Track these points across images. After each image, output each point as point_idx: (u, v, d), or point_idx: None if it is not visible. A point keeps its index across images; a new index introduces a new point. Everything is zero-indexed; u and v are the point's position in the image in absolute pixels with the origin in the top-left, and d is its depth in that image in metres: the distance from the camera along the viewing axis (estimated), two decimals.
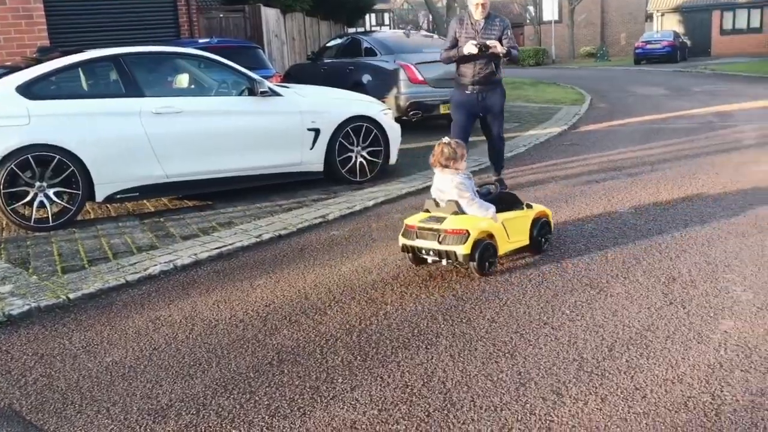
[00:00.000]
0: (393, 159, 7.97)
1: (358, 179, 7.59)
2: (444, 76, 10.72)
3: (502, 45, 6.27)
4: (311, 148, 7.23)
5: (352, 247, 5.36)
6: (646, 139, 10.01)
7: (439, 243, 4.41)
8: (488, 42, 6.21)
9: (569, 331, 3.56)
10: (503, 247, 4.61)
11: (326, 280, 4.58)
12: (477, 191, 4.71)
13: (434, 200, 4.72)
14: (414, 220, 4.67)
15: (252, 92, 6.90)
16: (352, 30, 26.67)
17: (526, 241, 4.78)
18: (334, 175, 7.50)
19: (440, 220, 4.52)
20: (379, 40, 11.90)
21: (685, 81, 20.99)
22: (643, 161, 8.26)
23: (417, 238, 4.55)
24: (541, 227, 4.86)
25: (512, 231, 4.66)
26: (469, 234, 4.32)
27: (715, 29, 36.50)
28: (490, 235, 4.49)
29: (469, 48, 6.23)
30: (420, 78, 10.57)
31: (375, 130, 7.66)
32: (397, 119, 8.89)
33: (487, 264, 4.46)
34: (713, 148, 8.95)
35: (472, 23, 6.42)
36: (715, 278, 4.22)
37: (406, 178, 7.84)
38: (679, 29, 35.77)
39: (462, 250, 4.30)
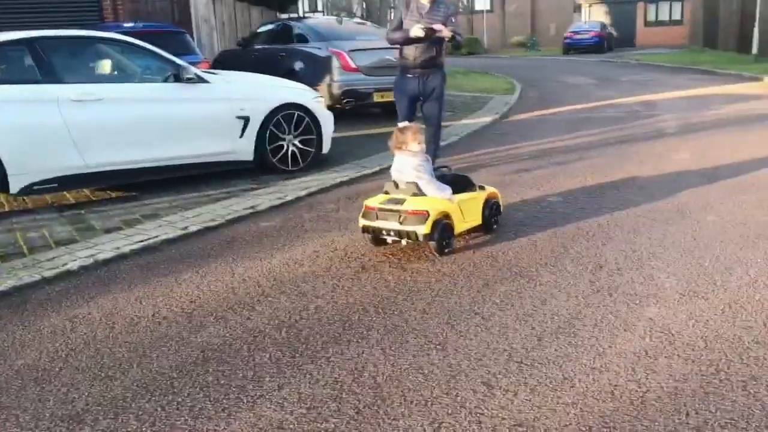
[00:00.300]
0: (326, 148, 7.86)
1: (290, 168, 7.46)
2: (378, 63, 10.68)
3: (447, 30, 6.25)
4: (241, 137, 7.06)
5: (283, 238, 5.25)
6: (574, 127, 10.19)
7: (400, 223, 4.54)
8: (434, 26, 6.19)
9: (499, 321, 3.56)
10: (459, 227, 4.76)
11: (255, 274, 4.46)
12: (433, 173, 4.89)
13: (394, 182, 4.84)
14: (374, 201, 4.77)
15: (178, 78, 6.67)
16: (284, 16, 26.28)
17: (479, 221, 4.96)
18: (265, 164, 7.35)
19: (400, 201, 4.64)
20: (311, 27, 11.73)
21: (612, 71, 21.55)
22: (571, 149, 8.41)
23: (378, 219, 4.66)
24: (491, 208, 5.07)
25: (467, 212, 4.82)
26: (428, 215, 4.46)
27: (640, 21, 37.62)
28: (447, 216, 4.63)
29: (416, 31, 6.16)
30: (353, 66, 10.47)
31: (307, 118, 7.53)
32: (330, 107, 8.78)
33: (444, 243, 4.61)
34: (638, 136, 9.18)
35: (418, 7, 6.37)
36: (641, 265, 4.30)
37: (339, 168, 7.75)
38: (606, 20, 36.69)
39: (422, 230, 4.45)
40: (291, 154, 7.48)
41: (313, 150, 7.65)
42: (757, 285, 3.91)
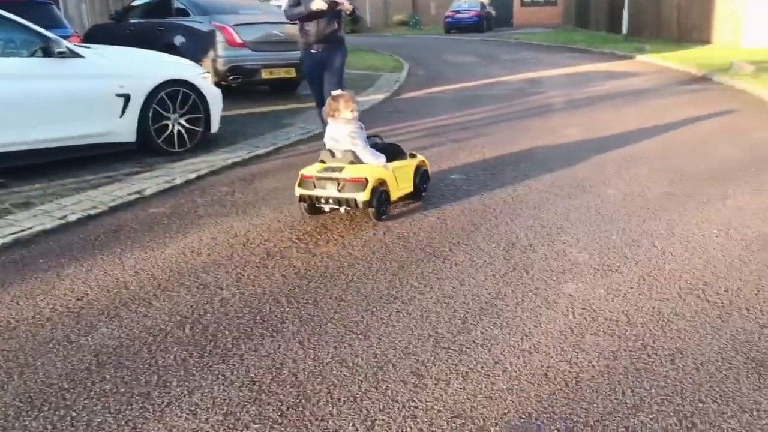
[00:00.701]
0: (214, 127, 7.42)
1: (176, 150, 6.98)
2: (265, 38, 10.24)
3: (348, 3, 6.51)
4: (121, 116, 6.51)
5: (176, 226, 4.85)
6: (466, 105, 10.22)
7: (339, 191, 4.62)
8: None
9: (420, 305, 3.40)
10: (394, 195, 4.88)
11: (149, 266, 4.07)
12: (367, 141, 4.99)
13: (329, 150, 4.92)
14: (311, 170, 4.81)
15: (47, 53, 6.02)
16: None
17: (410, 189, 5.09)
18: (150, 145, 6.84)
19: (338, 169, 4.71)
20: (190, 0, 11.06)
21: (494, 49, 21.96)
22: (466, 126, 8.39)
23: (316, 187, 4.72)
24: (422, 176, 5.25)
25: (400, 179, 4.95)
26: (367, 182, 4.56)
27: (517, 1, 38.63)
28: (384, 183, 4.75)
29: (319, 4, 6.32)
30: (239, 41, 9.95)
31: (193, 96, 7.06)
32: (216, 84, 8.30)
33: (381, 210, 4.74)
34: (529, 113, 9.31)
35: None
36: (552, 241, 4.28)
37: (230, 148, 7.34)
38: (485, 0, 37.41)
39: (362, 197, 4.55)
40: (177, 134, 6.99)
41: (200, 130, 7.20)
42: (665, 256, 3.97)
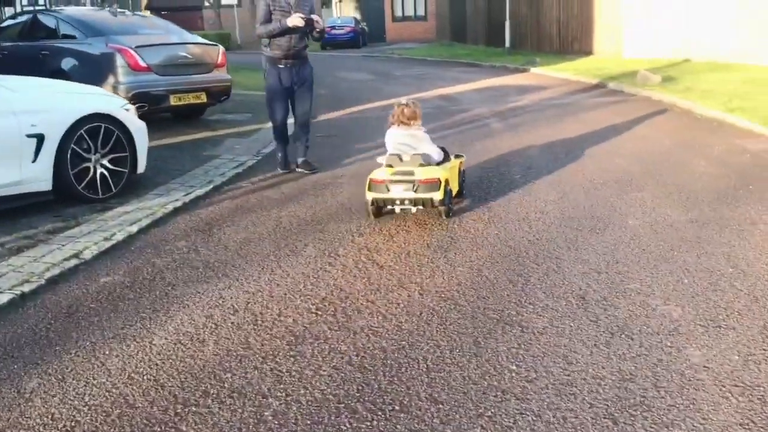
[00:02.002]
0: (141, 167, 6.34)
1: (100, 196, 5.88)
2: (171, 61, 9.13)
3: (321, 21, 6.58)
4: (34, 161, 5.34)
5: (146, 301, 3.84)
6: None
7: (415, 192, 4.87)
8: (312, 17, 6.39)
9: (543, 402, 2.67)
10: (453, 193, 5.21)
11: (144, 366, 3.06)
12: None
13: (397, 155, 5.12)
14: (381, 174, 5.03)
15: None
16: (9, 9, 22.62)
17: (457, 187, 5.43)
18: (68, 193, 5.70)
19: (408, 172, 4.94)
20: (78, 19, 9.69)
21: (383, 66, 21.58)
22: None
23: (389, 191, 4.94)
24: (462, 174, 5.64)
25: (452, 179, 5.25)
26: (440, 182, 4.87)
27: (388, 16, 38.75)
28: (448, 182, 5.04)
29: (296, 21, 6.25)
30: (143, 64, 8.77)
31: (117, 132, 5.96)
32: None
33: (450, 207, 5.10)
34: (470, 133, 8.84)
35: (287, 0, 6.43)
36: (623, 290, 3.70)
37: (161, 190, 6.30)
38: (357, 15, 37.25)
39: (438, 196, 4.86)
40: (100, 177, 5.87)
41: (126, 171, 6.10)
42: (760, 300, 3.48)
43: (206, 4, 42.22)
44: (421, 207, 4.99)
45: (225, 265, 4.38)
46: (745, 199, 5.30)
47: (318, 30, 6.62)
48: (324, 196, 6.05)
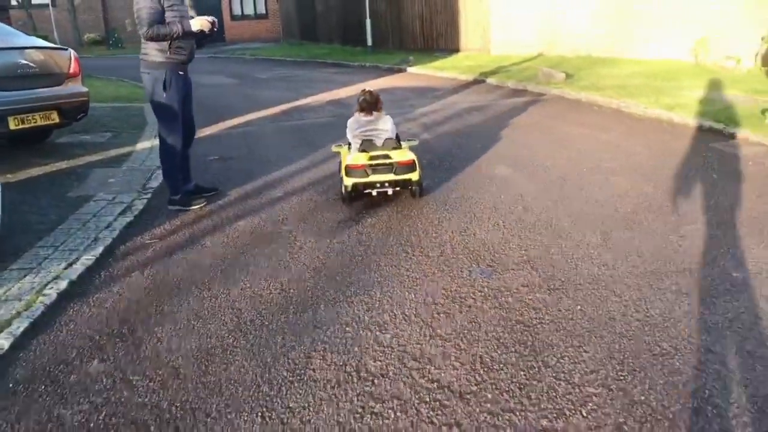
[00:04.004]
0: None
1: None
2: (7, 72, 6.87)
3: None
4: None
5: None
6: (302, 141, 7.96)
7: (395, 174, 5.08)
8: (210, 18, 5.49)
9: None
10: None
11: None
12: None
13: (368, 140, 5.29)
14: (358, 160, 5.10)
15: None
16: None
17: None
18: None
19: (386, 155, 5.11)
20: None
21: (239, 67, 19.57)
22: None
23: (372, 174, 5.08)
24: None
25: None
26: (415, 162, 5.14)
27: (226, 15, 36.20)
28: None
29: (203, 25, 5.33)
30: None
31: None
32: None
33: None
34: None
35: None
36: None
37: (27, 260, 4.44)
38: (192, 14, 34.43)
39: (415, 176, 5.17)
40: None
41: None
42: None
43: (13, 3, 37.33)
44: (397, 189, 5.22)
45: (185, 412, 2.64)
46: (757, 217, 4.32)
47: (209, 34, 5.54)
48: (276, 253, 4.38)
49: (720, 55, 12.15)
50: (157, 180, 6.41)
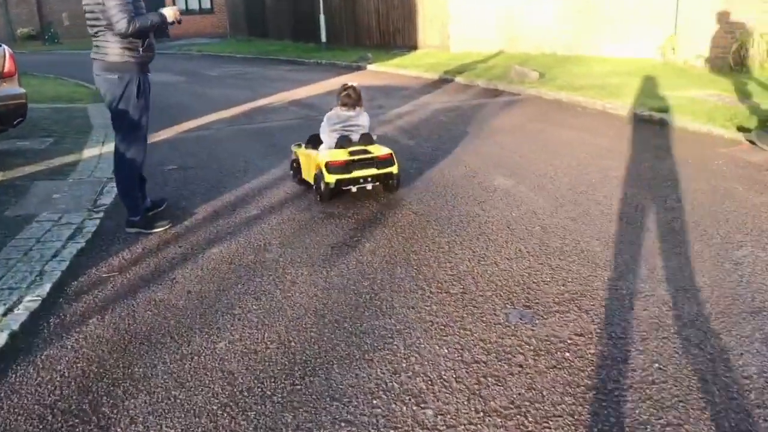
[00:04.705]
0: None
1: None
2: None
3: None
4: None
5: None
6: (269, 147, 7.19)
7: (377, 169, 5.03)
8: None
9: None
10: None
11: None
12: None
13: (346, 137, 5.22)
14: (339, 156, 5.02)
15: None
16: None
17: None
18: None
19: (366, 151, 5.09)
20: None
21: (186, 64, 18.54)
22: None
23: (355, 170, 4.98)
24: None
25: None
26: (393, 156, 5.12)
27: None
28: None
29: (175, 14, 4.68)
30: None
31: None
32: None
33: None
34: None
35: None
36: None
37: None
38: None
39: (395, 169, 5.12)
40: None
41: None
42: None
43: None
44: (377, 183, 5.12)
45: None
46: None
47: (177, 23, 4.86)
48: (264, 291, 3.65)
49: (690, 54, 11.86)
50: (110, 195, 5.60)
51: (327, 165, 4.97)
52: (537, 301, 3.38)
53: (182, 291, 3.74)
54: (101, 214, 5.16)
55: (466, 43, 16.90)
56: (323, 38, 20.44)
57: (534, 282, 3.60)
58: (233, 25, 30.79)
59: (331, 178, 4.96)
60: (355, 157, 5.00)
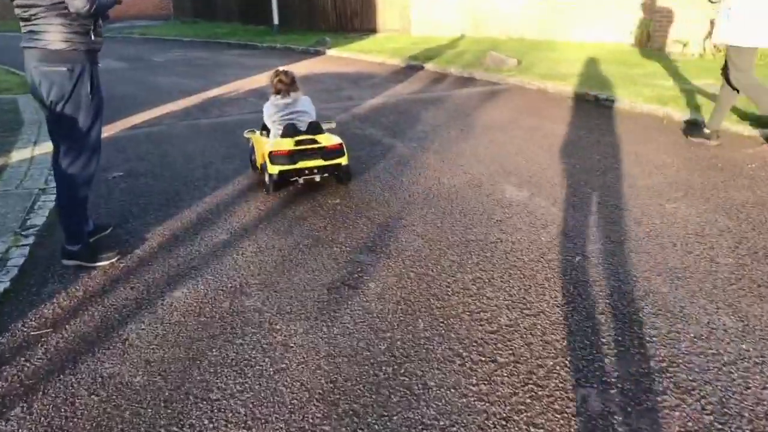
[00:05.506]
0: None
1: None
2: None
3: None
4: None
5: None
6: (236, 150, 6.24)
7: (324, 159, 4.70)
8: None
9: None
10: None
11: None
12: None
13: (293, 125, 4.87)
14: (283, 145, 4.70)
15: None
16: None
17: None
18: None
19: (313, 140, 4.75)
20: None
21: (128, 48, 17.18)
22: (317, 209, 4.63)
23: (301, 160, 4.65)
24: None
25: None
26: (342, 146, 4.79)
27: None
28: None
29: None
30: None
31: None
32: None
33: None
34: (362, 157, 5.84)
35: None
36: None
37: None
38: None
39: (344, 161, 4.81)
40: None
41: None
42: None
43: None
44: (326, 175, 4.84)
45: None
46: None
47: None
48: (251, 362, 2.75)
49: (667, 39, 11.29)
50: (43, 213, 4.61)
51: (270, 155, 4.66)
52: (617, 375, 2.57)
53: (138, 360, 2.81)
54: (31, 240, 4.16)
55: (428, 26, 16.10)
56: (276, 20, 19.32)
57: (603, 344, 2.79)
58: (177, 6, 29.25)
59: (274, 169, 4.67)
60: (301, 147, 4.68)
